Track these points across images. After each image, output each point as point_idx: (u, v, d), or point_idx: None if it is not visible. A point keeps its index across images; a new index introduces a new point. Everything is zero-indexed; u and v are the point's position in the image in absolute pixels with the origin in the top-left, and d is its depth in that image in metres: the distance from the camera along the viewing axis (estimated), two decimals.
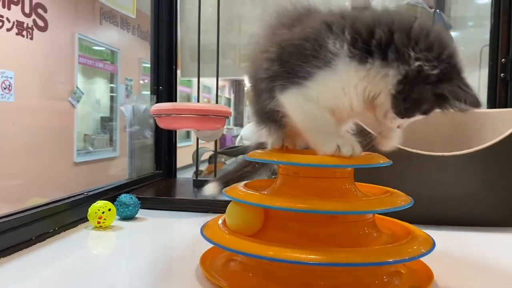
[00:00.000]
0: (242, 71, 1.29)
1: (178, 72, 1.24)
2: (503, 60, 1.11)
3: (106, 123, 5.71)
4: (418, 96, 0.50)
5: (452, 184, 0.86)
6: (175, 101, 1.23)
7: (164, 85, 1.20)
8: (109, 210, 0.76)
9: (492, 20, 1.14)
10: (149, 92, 1.18)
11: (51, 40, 3.95)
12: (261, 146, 0.67)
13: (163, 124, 0.92)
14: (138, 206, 0.85)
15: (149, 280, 0.55)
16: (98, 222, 0.75)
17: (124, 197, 0.83)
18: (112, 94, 5.83)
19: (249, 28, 1.28)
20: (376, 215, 0.58)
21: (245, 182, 0.63)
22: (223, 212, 0.75)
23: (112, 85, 5.80)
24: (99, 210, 0.75)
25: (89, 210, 0.76)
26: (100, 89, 5.65)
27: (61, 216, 0.74)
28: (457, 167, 0.86)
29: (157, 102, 1.18)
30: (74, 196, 0.80)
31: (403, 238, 0.55)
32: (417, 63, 0.48)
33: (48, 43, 3.88)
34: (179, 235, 0.79)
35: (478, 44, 2.59)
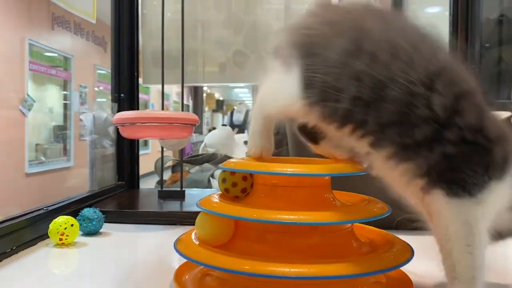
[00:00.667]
0: (206, 77, 1.27)
1: (140, 79, 1.20)
2: None
3: (60, 132, 5.51)
4: None
5: None
6: (137, 109, 1.19)
7: (125, 92, 1.16)
8: (72, 225, 0.72)
9: (450, 28, 1.17)
10: (104, 100, 1.13)
11: None
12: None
13: (127, 134, 0.88)
14: (103, 220, 0.81)
15: None
16: (60, 239, 0.71)
17: (87, 211, 0.79)
18: (65, 101, 5.64)
19: (212, 34, 1.25)
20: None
21: (220, 193, 0.61)
22: (192, 224, 0.73)
23: (65, 92, 5.61)
24: (61, 226, 0.70)
25: (50, 226, 0.71)
26: (52, 96, 5.45)
27: (19, 234, 0.69)
28: None
29: (119, 110, 1.14)
30: (32, 212, 0.75)
31: (381, 246, 0.54)
32: None
33: None
34: (148, 250, 0.76)
35: None
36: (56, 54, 5.20)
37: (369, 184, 0.50)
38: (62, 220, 0.71)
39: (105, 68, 6.30)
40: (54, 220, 0.71)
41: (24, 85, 4.48)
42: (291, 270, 0.46)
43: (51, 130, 5.37)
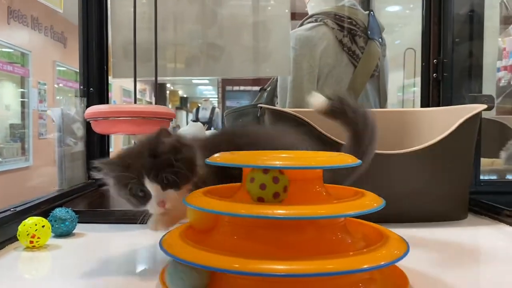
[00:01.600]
0: (178, 71, 1.23)
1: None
2: (434, 60, 1.16)
3: (16, 131, 5.28)
4: None
5: (398, 181, 0.87)
6: (107, 104, 1.14)
7: (94, 86, 1.10)
8: (43, 227, 0.67)
9: (423, 23, 1.18)
10: (61, 97, 1.08)
11: None
12: None
13: (100, 129, 0.84)
14: (76, 220, 0.76)
15: None
16: (31, 242, 0.66)
17: (59, 211, 0.74)
18: (23, 99, 5.42)
19: (185, 26, 1.22)
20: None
21: (206, 188, 0.58)
22: None
23: (22, 90, 5.38)
24: (31, 228, 0.66)
25: (19, 228, 0.66)
26: (8, 94, 5.22)
27: None
28: (402, 165, 0.87)
29: (88, 105, 1.08)
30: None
31: (375, 241, 0.53)
32: None
33: None
34: (125, 251, 0.72)
35: (399, 48, 2.76)
36: (12, 50, 4.98)
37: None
38: (32, 222, 0.66)
39: (66, 65, 6.10)
40: (23, 221, 0.66)
41: None
42: (282, 267, 0.44)
43: (7, 129, 5.14)
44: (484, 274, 0.60)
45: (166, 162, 0.58)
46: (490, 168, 1.43)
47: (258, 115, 0.98)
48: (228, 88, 6.28)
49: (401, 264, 0.54)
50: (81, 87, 1.10)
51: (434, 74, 1.16)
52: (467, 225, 0.86)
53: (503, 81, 2.29)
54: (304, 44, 1.23)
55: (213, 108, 6.38)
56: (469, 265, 0.63)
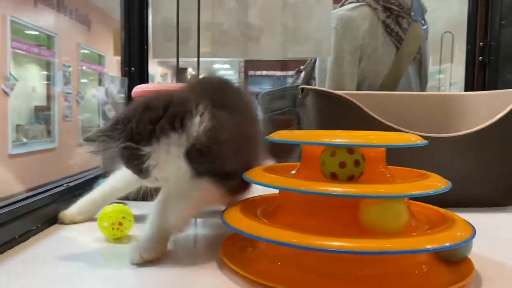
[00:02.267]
0: (216, 52, 1.22)
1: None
2: (481, 43, 1.13)
3: (41, 113, 5.37)
4: None
5: (443, 165, 0.85)
6: (147, 83, 1.14)
7: (135, 66, 1.11)
8: (123, 217, 0.60)
9: (470, 4, 1.15)
10: (86, 80, 1.08)
11: None
12: None
13: None
14: None
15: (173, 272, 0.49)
16: (118, 228, 0.60)
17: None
18: (48, 82, 5.49)
19: (224, 6, 1.21)
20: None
21: (265, 166, 0.58)
22: None
23: (48, 72, 5.45)
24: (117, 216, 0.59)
25: (103, 216, 0.60)
26: (34, 76, 5.30)
27: (43, 211, 0.65)
28: (448, 149, 0.86)
29: (129, 85, 1.09)
30: (53, 189, 0.71)
31: (438, 224, 0.52)
32: None
33: None
34: None
35: (437, 32, 2.70)
36: (38, 32, 5.04)
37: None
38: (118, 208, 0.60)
39: (89, 47, 6.15)
40: (104, 211, 0.60)
41: (6, 63, 4.34)
42: (340, 244, 0.43)
43: (32, 111, 5.23)
44: None
45: None
46: None
47: (300, 96, 0.97)
48: (251, 73, 6.25)
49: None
50: (125, 67, 1.10)
51: (480, 58, 1.13)
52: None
53: None
54: (346, 25, 1.21)
55: None
56: None
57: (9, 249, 0.55)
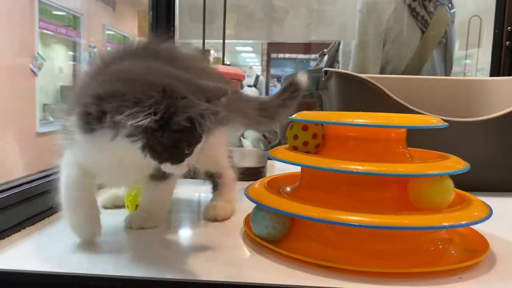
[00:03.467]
0: (240, 34, 1.24)
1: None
2: (509, 28, 1.11)
3: (67, 92, 5.46)
4: None
5: (466, 149, 0.86)
6: None
7: None
8: None
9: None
10: None
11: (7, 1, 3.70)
12: None
13: None
14: None
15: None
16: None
17: None
18: (74, 62, 5.57)
19: None
20: None
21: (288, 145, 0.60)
22: (240, 180, 0.73)
23: (74, 53, 5.53)
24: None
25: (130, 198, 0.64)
26: (60, 56, 5.38)
27: None
28: (471, 133, 0.86)
29: None
30: None
31: (456, 204, 0.53)
32: None
33: (3, 5, 3.62)
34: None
35: (464, 16, 2.64)
36: (65, 13, 5.11)
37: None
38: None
39: (114, 28, 6.21)
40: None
41: (34, 43, 4.42)
42: (358, 218, 0.45)
43: (58, 91, 5.33)
44: None
45: None
46: None
47: (323, 79, 0.98)
48: (273, 55, 6.22)
49: (480, 229, 0.54)
50: None
51: (507, 42, 1.11)
52: None
53: None
54: (371, 8, 1.21)
55: (257, 76, 6.36)
56: None
57: (39, 221, 0.59)
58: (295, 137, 0.56)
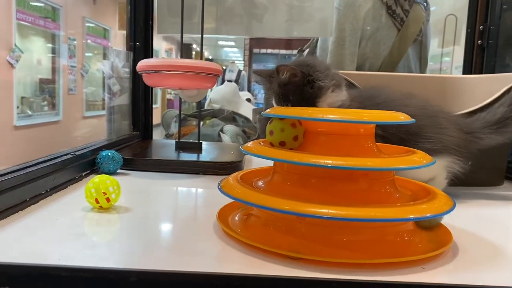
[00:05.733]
0: (219, 29, 1.24)
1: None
2: (481, 27, 1.14)
3: (46, 85, 5.38)
4: None
5: None
6: (152, 57, 1.16)
7: (140, 41, 1.13)
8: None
9: None
10: (91, 54, 1.11)
11: None
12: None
13: (151, 82, 0.87)
14: (121, 161, 0.84)
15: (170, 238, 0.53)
16: (107, 200, 0.61)
17: (109, 152, 0.83)
18: (53, 55, 5.48)
19: None
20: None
21: (263, 139, 0.61)
22: (215, 174, 0.73)
23: (53, 45, 5.44)
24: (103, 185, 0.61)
25: (90, 188, 0.61)
26: (39, 48, 5.29)
27: (52, 177, 0.69)
28: None
29: (134, 59, 1.12)
30: (61, 156, 0.75)
31: (422, 197, 0.55)
32: None
33: None
34: (180, 197, 0.76)
35: (441, 14, 2.69)
36: (43, 4, 5.02)
37: None
38: (104, 178, 0.62)
39: (94, 21, 6.12)
40: (91, 180, 0.61)
41: (11, 35, 4.34)
42: (327, 211, 0.46)
43: (37, 83, 5.24)
44: None
45: (281, 93, 0.69)
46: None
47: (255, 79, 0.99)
48: (255, 50, 6.23)
49: (445, 222, 0.57)
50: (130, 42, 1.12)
51: (479, 41, 1.14)
52: (503, 191, 0.87)
53: None
54: (348, 5, 1.23)
55: (239, 71, 6.35)
56: (506, 224, 0.65)
57: (21, 210, 0.59)
58: (271, 133, 0.57)
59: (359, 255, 0.48)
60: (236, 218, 0.59)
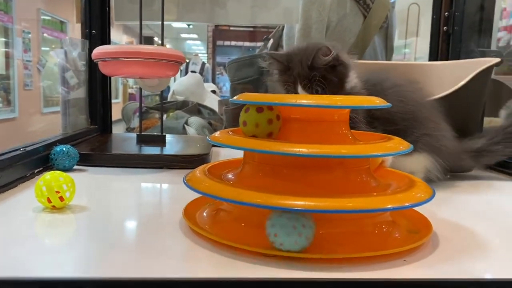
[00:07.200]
0: (180, 16, 1.19)
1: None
2: (446, 13, 1.14)
3: (0, 81, 5.13)
4: None
5: None
6: None
7: (97, 29, 1.06)
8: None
9: None
10: (48, 48, 1.04)
11: None
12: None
13: (108, 70, 0.81)
14: (78, 156, 0.78)
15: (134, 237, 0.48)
16: (61, 199, 0.55)
17: (64, 147, 0.76)
18: (6, 49, 5.23)
19: None
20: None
21: (232, 128, 0.57)
22: (181, 168, 0.68)
23: (6, 39, 5.18)
24: (55, 182, 0.55)
25: (40, 185, 0.55)
26: None
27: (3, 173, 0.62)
28: None
29: (90, 48, 1.05)
30: (10, 152, 0.68)
31: (400, 186, 0.53)
32: None
33: None
34: (143, 192, 0.71)
35: (404, 3, 2.71)
36: None
37: None
38: (56, 175, 0.55)
39: (50, 13, 5.88)
40: (43, 178, 0.55)
41: None
42: (302, 203, 0.43)
43: None
44: (500, 221, 0.61)
45: (318, 76, 0.64)
46: (488, 126, 1.44)
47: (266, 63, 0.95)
48: (219, 43, 6.15)
49: (423, 211, 0.54)
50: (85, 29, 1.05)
51: (445, 28, 1.14)
52: (473, 177, 0.86)
53: (502, 41, 2.28)
54: None
55: (203, 63, 6.27)
56: (485, 213, 0.64)
57: None
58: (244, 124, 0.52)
59: (338, 249, 0.45)
60: (205, 214, 0.55)
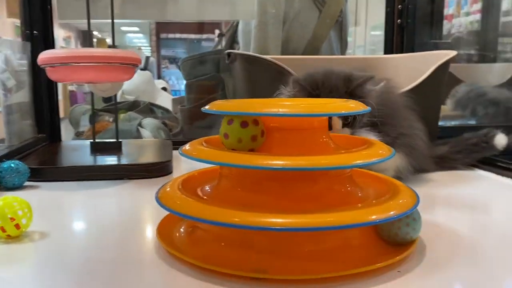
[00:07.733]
0: (128, 13, 1.12)
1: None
2: (399, 6, 1.15)
3: None
4: None
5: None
6: (53, 47, 1.02)
7: (39, 29, 0.98)
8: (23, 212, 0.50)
9: None
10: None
11: None
12: None
13: (58, 76, 0.74)
14: (28, 172, 0.71)
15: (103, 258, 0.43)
16: (17, 226, 0.50)
17: (11, 163, 0.69)
18: None
19: None
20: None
21: (205, 138, 0.53)
22: (144, 177, 0.63)
23: None
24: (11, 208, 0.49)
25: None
26: None
27: None
28: None
29: (33, 50, 0.96)
30: None
31: (384, 193, 0.51)
32: None
33: None
34: (107, 208, 0.66)
35: None
36: None
37: None
38: (10, 200, 0.50)
39: None
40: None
41: None
42: (281, 221, 0.40)
43: None
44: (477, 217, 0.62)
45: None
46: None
47: (227, 62, 0.92)
48: (163, 35, 5.99)
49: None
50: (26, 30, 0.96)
51: (399, 20, 1.15)
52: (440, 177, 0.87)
53: (444, 30, 2.36)
54: None
55: (147, 58, 6.07)
56: (464, 211, 0.64)
57: None
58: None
59: (328, 265, 0.43)
60: (182, 231, 0.51)
